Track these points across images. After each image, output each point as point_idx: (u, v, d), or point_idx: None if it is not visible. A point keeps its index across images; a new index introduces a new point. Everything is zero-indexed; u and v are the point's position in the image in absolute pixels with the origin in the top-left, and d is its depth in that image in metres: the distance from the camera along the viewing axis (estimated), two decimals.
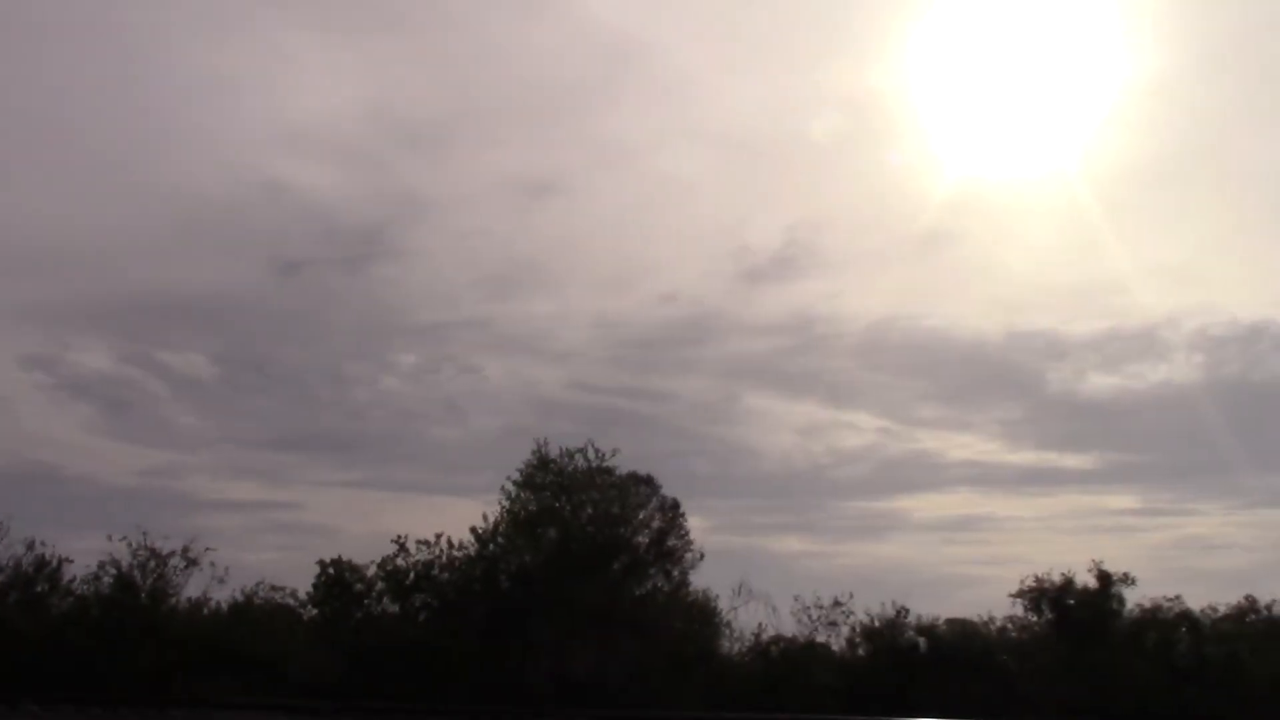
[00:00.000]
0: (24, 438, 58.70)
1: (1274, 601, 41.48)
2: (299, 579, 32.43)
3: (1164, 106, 74.05)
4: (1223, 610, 40.74)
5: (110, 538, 31.14)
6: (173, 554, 31.34)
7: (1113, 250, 76.17)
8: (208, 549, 31.75)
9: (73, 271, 65.57)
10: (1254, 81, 76.71)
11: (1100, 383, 74.85)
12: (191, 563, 31.46)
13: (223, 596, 31.97)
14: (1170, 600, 39.48)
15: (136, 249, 67.86)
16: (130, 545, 31.04)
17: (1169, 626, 38.38)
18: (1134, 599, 39.40)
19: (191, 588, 31.78)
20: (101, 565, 30.81)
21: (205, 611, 31.83)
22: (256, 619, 30.90)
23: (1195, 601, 39.92)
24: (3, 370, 62.25)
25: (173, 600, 31.28)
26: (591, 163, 76.75)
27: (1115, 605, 39.09)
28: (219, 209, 68.25)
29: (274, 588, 32.19)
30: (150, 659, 28.79)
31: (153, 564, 31.13)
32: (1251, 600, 41.34)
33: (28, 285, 63.13)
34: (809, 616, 35.97)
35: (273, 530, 56.25)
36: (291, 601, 32.17)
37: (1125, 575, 39.39)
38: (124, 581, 30.43)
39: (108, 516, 59.28)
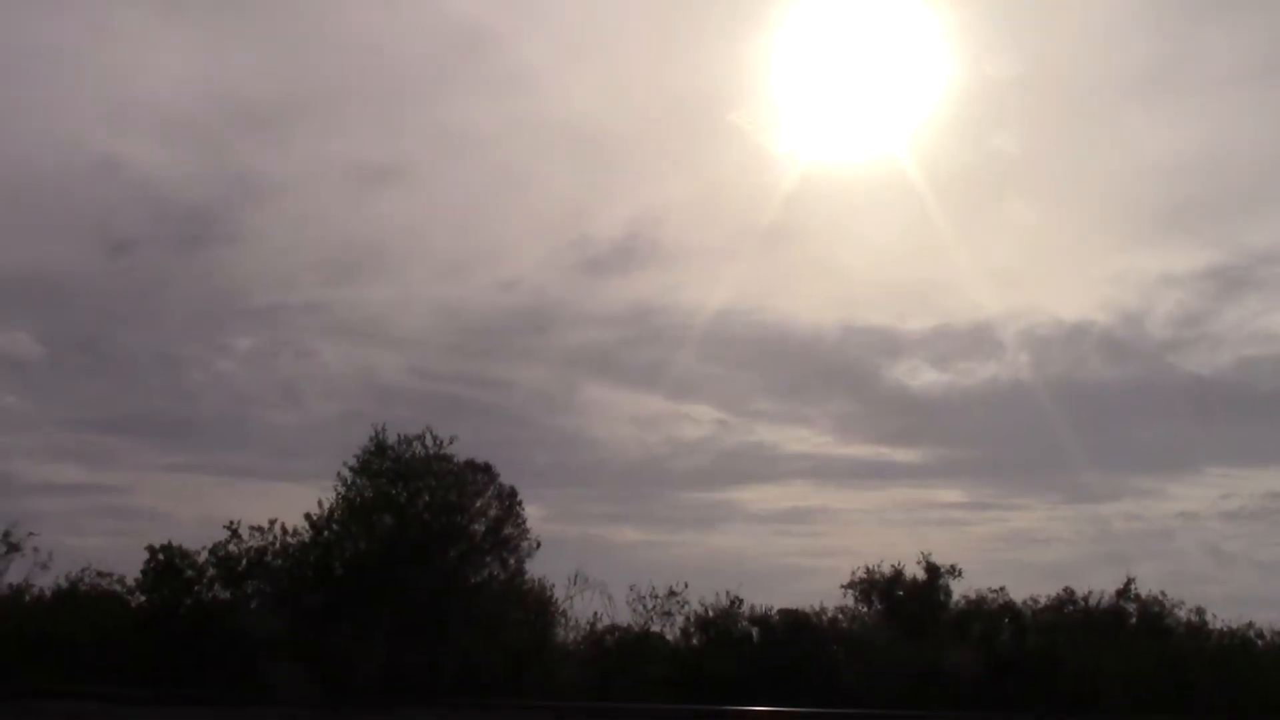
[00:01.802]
0: None
1: (1090, 593, 42.99)
2: (127, 565, 31.74)
3: (997, 110, 75.95)
4: (1043, 602, 42.08)
5: None
6: None
7: (946, 250, 78.04)
8: (31, 534, 30.92)
9: None
10: (1083, 90, 79.14)
11: (931, 379, 76.71)
12: (13, 548, 30.59)
13: (46, 583, 31.17)
14: (994, 592, 40.66)
15: None
16: None
17: (992, 617, 39.50)
18: (960, 590, 40.54)
19: (13, 574, 30.94)
20: None
21: (27, 599, 30.97)
22: (81, 606, 30.12)
23: (1018, 593, 41.19)
24: None
25: None
26: (433, 150, 76.10)
27: (942, 596, 40.14)
28: (47, 184, 66.06)
29: (100, 574, 31.44)
30: None
31: None
32: (1070, 592, 42.73)
33: None
34: (644, 606, 36.29)
35: (100, 515, 54.78)
36: (119, 588, 31.43)
37: (952, 567, 40.50)
38: None
39: None
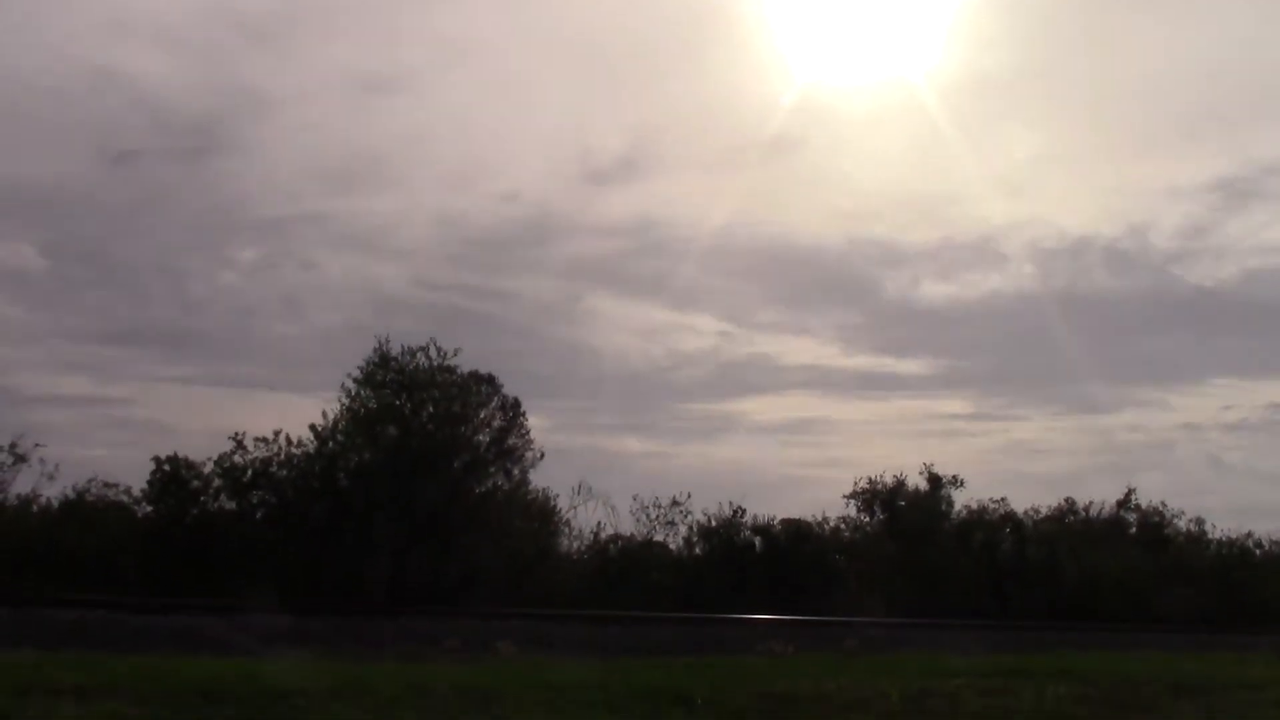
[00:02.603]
0: None
1: (1091, 503, 43.32)
2: (133, 476, 31.81)
3: (1004, 21, 75.26)
4: (1044, 512, 42.45)
5: None
6: (0, 450, 30.52)
7: (950, 161, 77.76)
8: (37, 445, 30.97)
9: None
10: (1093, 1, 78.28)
11: (935, 290, 76.69)
12: (20, 459, 30.64)
13: (53, 493, 31.25)
14: (996, 502, 41.04)
15: None
16: None
17: (994, 527, 39.83)
18: (962, 501, 40.89)
19: (20, 485, 31.00)
20: None
21: (35, 509, 31.09)
22: (88, 517, 30.24)
23: (1019, 503, 41.57)
24: None
25: None
26: (433, 60, 75.42)
27: (944, 507, 40.47)
28: (44, 95, 65.45)
29: (107, 485, 31.51)
30: None
31: None
32: (1070, 502, 43.17)
33: None
34: (647, 516, 36.60)
35: (105, 426, 55.02)
36: (125, 499, 31.54)
37: (954, 478, 40.87)
38: None
39: None
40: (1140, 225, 77.85)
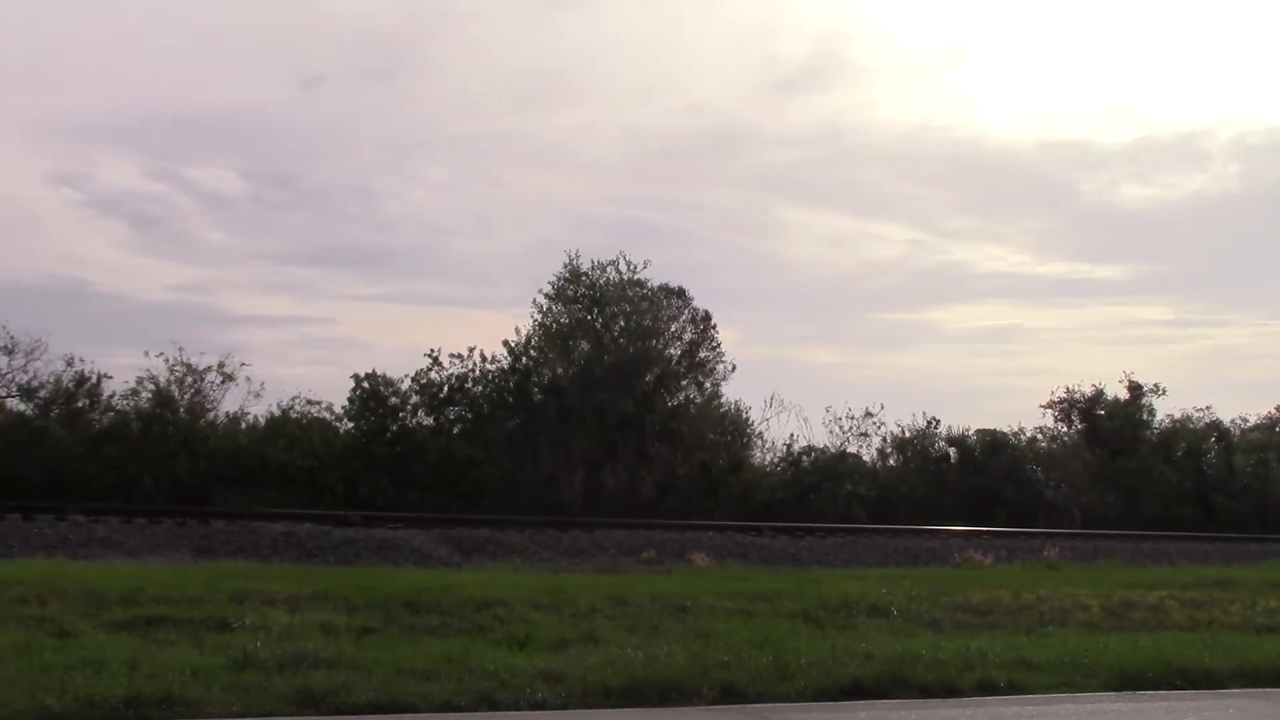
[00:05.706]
0: (54, 255, 58.47)
1: None
2: (333, 393, 32.70)
3: None
4: (1253, 420, 41.06)
5: (146, 354, 31.26)
6: (209, 369, 31.58)
7: (1147, 56, 74.77)
8: (243, 364, 32.03)
9: (92, 85, 64.18)
10: None
11: (1133, 193, 73.98)
12: (227, 378, 31.71)
13: (259, 410, 32.28)
14: (1200, 410, 39.81)
15: (153, 62, 66.24)
16: (167, 361, 31.19)
17: (1198, 436, 38.69)
18: (1164, 409, 39.77)
19: (228, 403, 32.10)
20: (140, 381, 30.96)
21: (243, 425, 32.17)
22: (294, 433, 31.17)
23: (1226, 412, 40.25)
24: (31, 187, 61.60)
25: (210, 414, 31.60)
26: None
27: (1145, 416, 39.39)
28: (232, 19, 66.72)
29: (310, 402, 32.43)
30: (187, 471, 29.18)
31: (189, 379, 31.36)
32: None
33: (49, 99, 61.68)
34: (840, 427, 36.45)
35: (305, 345, 56.61)
36: (328, 415, 32.41)
37: (1155, 386, 39.70)
38: (163, 396, 30.61)
39: (142, 333, 60.39)
40: None
